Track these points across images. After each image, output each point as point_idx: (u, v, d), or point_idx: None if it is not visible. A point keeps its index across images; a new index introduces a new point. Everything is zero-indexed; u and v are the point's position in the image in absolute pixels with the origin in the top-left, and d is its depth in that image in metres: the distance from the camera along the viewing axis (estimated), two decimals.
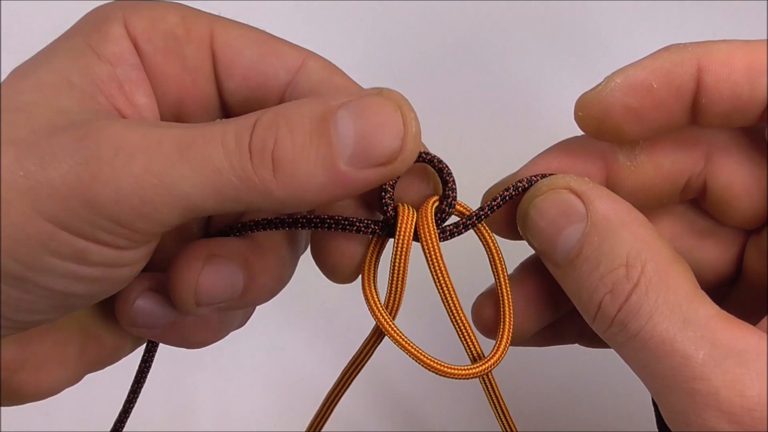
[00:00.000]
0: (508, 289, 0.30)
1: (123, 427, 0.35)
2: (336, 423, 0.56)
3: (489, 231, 0.30)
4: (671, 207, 0.32)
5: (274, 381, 0.57)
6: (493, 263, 0.30)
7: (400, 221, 0.28)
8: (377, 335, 0.31)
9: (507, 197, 0.29)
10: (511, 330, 0.30)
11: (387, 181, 0.27)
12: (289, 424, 0.56)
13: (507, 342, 0.30)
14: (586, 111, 0.29)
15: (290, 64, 0.29)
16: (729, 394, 0.24)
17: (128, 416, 0.35)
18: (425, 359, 0.29)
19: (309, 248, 0.32)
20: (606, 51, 0.61)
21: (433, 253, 0.28)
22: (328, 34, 0.58)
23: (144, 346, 0.34)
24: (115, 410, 0.35)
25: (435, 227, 0.28)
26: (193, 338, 0.31)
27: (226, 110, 0.31)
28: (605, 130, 0.29)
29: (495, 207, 0.29)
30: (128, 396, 0.34)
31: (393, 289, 0.29)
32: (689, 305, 0.25)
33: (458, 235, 0.29)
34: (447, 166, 0.29)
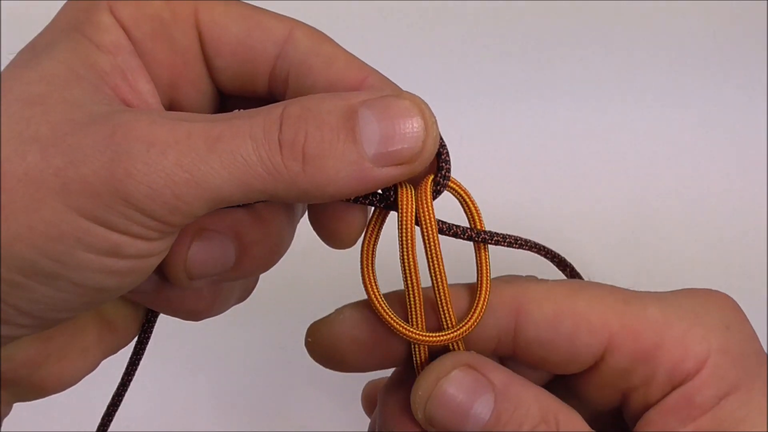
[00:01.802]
0: (488, 256, 0.31)
1: (112, 418, 0.35)
2: (336, 423, 0.56)
3: (465, 189, 0.31)
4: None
5: (273, 381, 0.57)
6: (471, 220, 0.31)
7: (401, 199, 0.29)
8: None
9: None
10: (486, 299, 0.30)
11: (406, 178, 0.28)
12: (289, 424, 0.56)
13: (482, 310, 0.30)
14: (314, 338, 0.32)
15: (277, 36, 0.29)
16: None
17: (117, 409, 0.35)
18: (401, 328, 0.30)
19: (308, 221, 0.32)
20: (607, 49, 0.61)
21: (429, 228, 0.29)
22: (328, 30, 0.58)
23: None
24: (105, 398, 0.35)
25: (432, 203, 0.29)
26: (185, 308, 0.32)
27: (218, 87, 0.31)
28: (331, 358, 0.32)
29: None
30: (118, 389, 0.35)
31: (406, 270, 0.30)
32: None
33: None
34: (441, 140, 0.29)
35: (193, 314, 0.32)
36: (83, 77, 0.26)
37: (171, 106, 0.30)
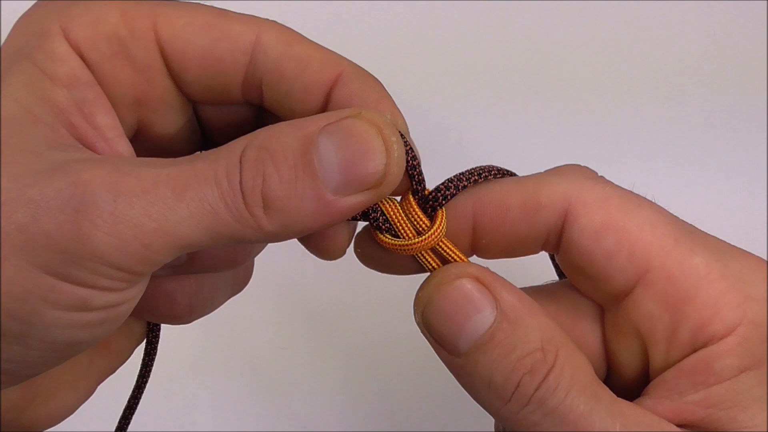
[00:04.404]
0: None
1: (128, 424, 0.35)
2: (336, 423, 0.57)
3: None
4: (548, 288, 0.33)
5: (274, 381, 0.57)
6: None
7: (390, 217, 0.29)
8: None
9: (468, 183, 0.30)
10: (444, 216, 0.30)
11: (374, 203, 0.27)
12: (289, 424, 0.56)
13: (443, 218, 0.29)
14: (360, 248, 0.31)
15: (245, 44, 0.28)
16: None
17: (133, 413, 0.35)
18: (382, 237, 0.29)
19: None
20: (606, 48, 0.61)
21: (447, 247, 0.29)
22: (327, 31, 0.58)
23: (143, 345, 0.34)
24: (117, 408, 0.35)
25: (422, 215, 0.29)
26: (162, 314, 0.31)
27: (190, 99, 0.30)
28: (378, 265, 0.31)
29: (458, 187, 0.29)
30: (132, 393, 0.34)
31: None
32: (597, 386, 0.27)
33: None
34: (412, 150, 0.28)
35: (174, 319, 0.32)
36: (39, 118, 0.25)
37: (140, 125, 0.30)
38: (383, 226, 0.29)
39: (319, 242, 0.30)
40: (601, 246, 0.28)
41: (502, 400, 0.27)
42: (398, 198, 0.30)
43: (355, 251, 0.31)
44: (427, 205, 0.29)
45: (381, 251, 0.30)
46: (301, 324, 0.58)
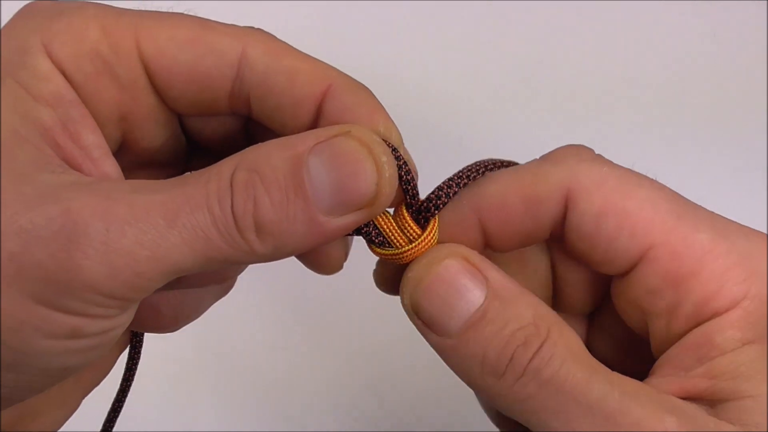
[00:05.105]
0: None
1: (113, 425, 0.35)
2: (335, 423, 0.56)
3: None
4: (538, 249, 0.33)
5: (273, 381, 0.57)
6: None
7: (385, 233, 0.29)
8: None
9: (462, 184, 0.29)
10: (436, 223, 0.30)
11: (368, 221, 0.27)
12: (289, 424, 0.56)
13: (434, 225, 0.29)
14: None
15: (231, 58, 0.28)
16: (651, 422, 0.25)
17: (116, 418, 0.35)
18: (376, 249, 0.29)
19: None
20: (607, 49, 0.61)
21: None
22: (327, 31, 0.58)
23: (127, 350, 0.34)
24: (101, 414, 0.35)
25: (415, 226, 0.29)
26: (148, 325, 0.31)
27: (177, 113, 0.30)
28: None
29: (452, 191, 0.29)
30: (116, 398, 0.34)
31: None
32: (591, 359, 0.27)
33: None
34: (405, 165, 0.28)
35: (159, 329, 0.32)
36: (26, 139, 0.25)
37: (125, 139, 0.29)
38: (376, 240, 0.29)
39: (315, 259, 0.30)
40: (602, 229, 0.28)
41: (496, 376, 0.26)
42: (391, 210, 0.29)
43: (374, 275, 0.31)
44: (420, 216, 0.29)
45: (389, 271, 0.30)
46: (301, 324, 0.58)
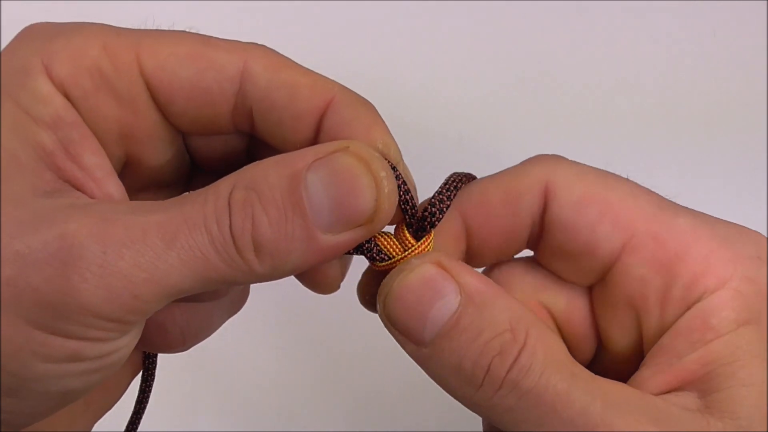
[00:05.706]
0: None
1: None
2: (335, 423, 0.56)
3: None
4: (519, 268, 0.32)
5: (274, 381, 0.57)
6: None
7: (387, 250, 0.29)
8: None
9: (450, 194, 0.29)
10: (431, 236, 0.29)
11: (366, 239, 0.27)
12: (289, 424, 0.56)
13: (431, 235, 0.29)
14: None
15: (232, 73, 0.28)
16: None
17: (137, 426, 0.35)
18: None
19: None
20: (606, 48, 0.61)
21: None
22: (327, 31, 0.58)
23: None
24: (122, 416, 0.35)
25: (412, 240, 0.29)
26: (155, 344, 0.31)
27: (180, 130, 0.30)
28: None
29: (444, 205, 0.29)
30: (131, 417, 0.34)
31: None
32: (572, 364, 0.26)
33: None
34: (404, 183, 0.28)
35: (168, 348, 0.32)
36: (24, 165, 0.25)
37: (128, 157, 0.29)
38: (377, 257, 0.28)
39: (312, 278, 0.30)
40: (583, 217, 0.28)
41: (473, 387, 0.25)
42: (392, 229, 0.29)
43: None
44: (419, 233, 0.29)
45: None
46: (301, 325, 0.58)
